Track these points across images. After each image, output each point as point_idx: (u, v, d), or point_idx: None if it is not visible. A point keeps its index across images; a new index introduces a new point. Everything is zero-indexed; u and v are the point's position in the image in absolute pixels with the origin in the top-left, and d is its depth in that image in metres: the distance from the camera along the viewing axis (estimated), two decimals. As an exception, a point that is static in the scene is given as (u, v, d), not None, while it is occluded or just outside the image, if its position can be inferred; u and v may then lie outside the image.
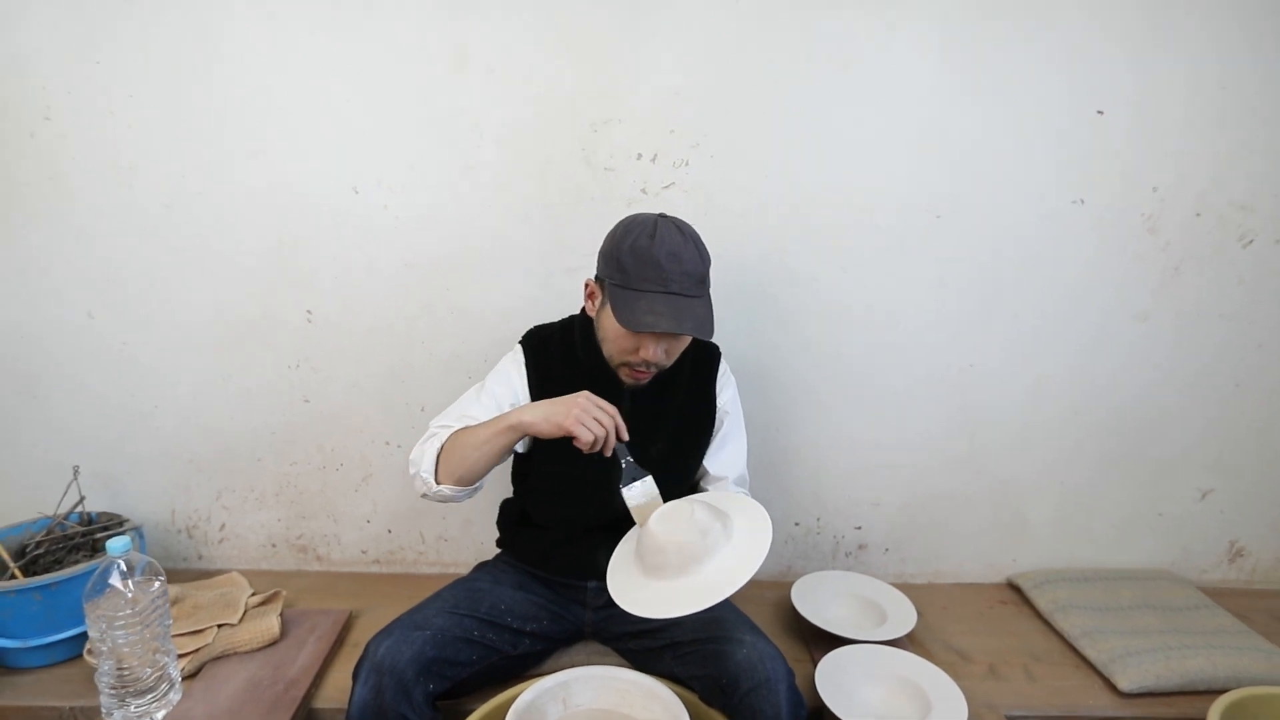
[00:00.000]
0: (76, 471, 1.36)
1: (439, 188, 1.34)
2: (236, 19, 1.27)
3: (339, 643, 1.26)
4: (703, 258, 1.06)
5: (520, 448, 1.15)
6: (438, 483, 1.06)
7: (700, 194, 1.35)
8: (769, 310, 1.42)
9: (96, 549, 1.30)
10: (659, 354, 1.05)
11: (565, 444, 1.00)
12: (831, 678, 1.13)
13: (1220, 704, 1.05)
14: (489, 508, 1.32)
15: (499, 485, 1.27)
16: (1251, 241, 1.40)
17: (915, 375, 1.46)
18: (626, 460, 1.03)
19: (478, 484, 1.08)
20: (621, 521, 1.07)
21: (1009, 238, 1.38)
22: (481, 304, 1.40)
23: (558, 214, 1.36)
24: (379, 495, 1.51)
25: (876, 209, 1.37)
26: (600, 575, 1.04)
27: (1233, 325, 1.45)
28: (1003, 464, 1.51)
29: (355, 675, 0.99)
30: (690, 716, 0.96)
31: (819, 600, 1.35)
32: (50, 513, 1.33)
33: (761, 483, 1.40)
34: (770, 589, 1.46)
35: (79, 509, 1.37)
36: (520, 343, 1.20)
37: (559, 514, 1.20)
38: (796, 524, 1.54)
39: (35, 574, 1.20)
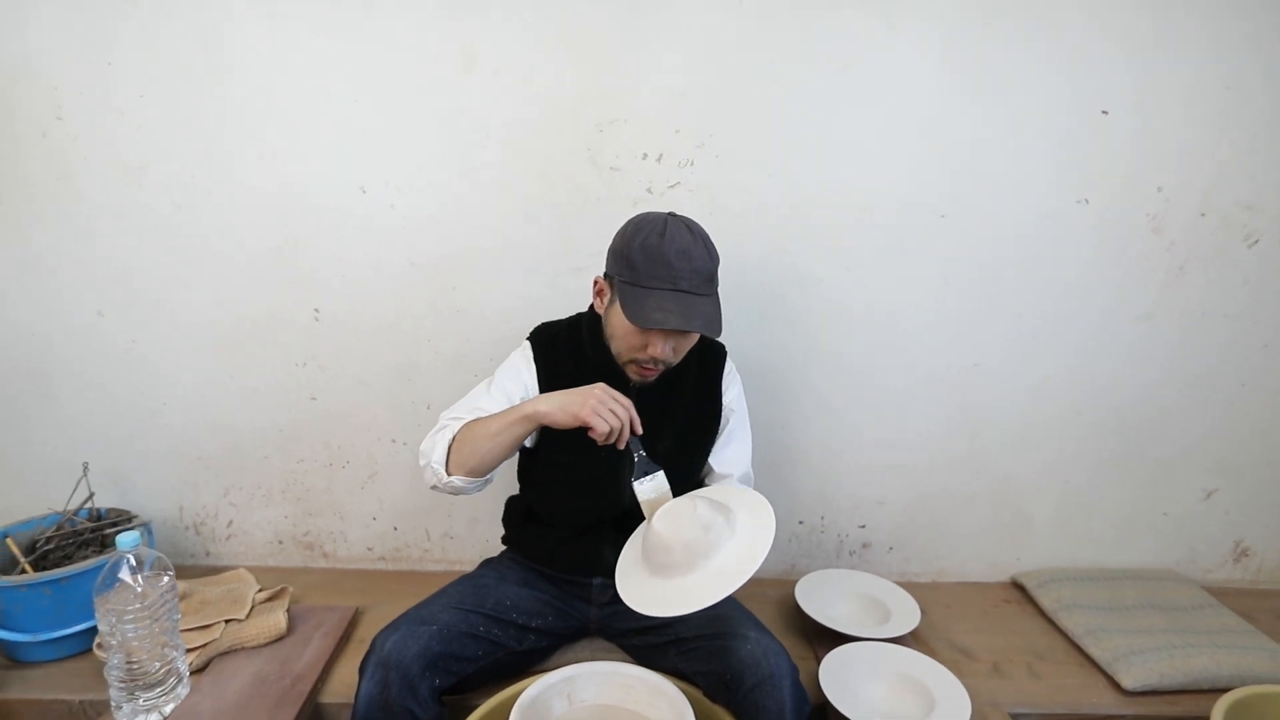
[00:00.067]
0: (86, 468, 1.38)
1: (445, 187, 1.35)
2: (236, 18, 1.27)
3: (345, 638, 1.27)
4: (712, 256, 1.06)
5: (529, 442, 1.15)
6: (449, 473, 1.06)
7: (705, 194, 1.36)
8: (772, 310, 1.42)
9: (106, 545, 1.31)
10: (667, 351, 1.06)
11: (576, 435, 1.01)
12: (836, 674, 1.13)
13: (1224, 702, 1.05)
14: (494, 505, 1.33)
15: (504, 482, 1.27)
16: (1257, 241, 1.40)
17: (917, 375, 1.46)
18: (639, 454, 1.03)
19: (489, 476, 1.09)
20: (626, 518, 1.07)
21: (1010, 238, 1.39)
22: (486, 303, 1.41)
23: (564, 214, 1.36)
24: (385, 492, 1.52)
25: (877, 209, 1.37)
26: (605, 572, 1.05)
27: (1238, 325, 1.45)
28: (1004, 463, 1.52)
29: (361, 670, 1.00)
30: (695, 712, 0.96)
31: (823, 598, 1.36)
32: (60, 509, 1.35)
33: (766, 481, 1.40)
34: (774, 587, 1.46)
35: (88, 505, 1.38)
36: (529, 339, 1.20)
37: (566, 506, 1.19)
38: (801, 522, 1.55)
39: (45, 569, 1.21)
